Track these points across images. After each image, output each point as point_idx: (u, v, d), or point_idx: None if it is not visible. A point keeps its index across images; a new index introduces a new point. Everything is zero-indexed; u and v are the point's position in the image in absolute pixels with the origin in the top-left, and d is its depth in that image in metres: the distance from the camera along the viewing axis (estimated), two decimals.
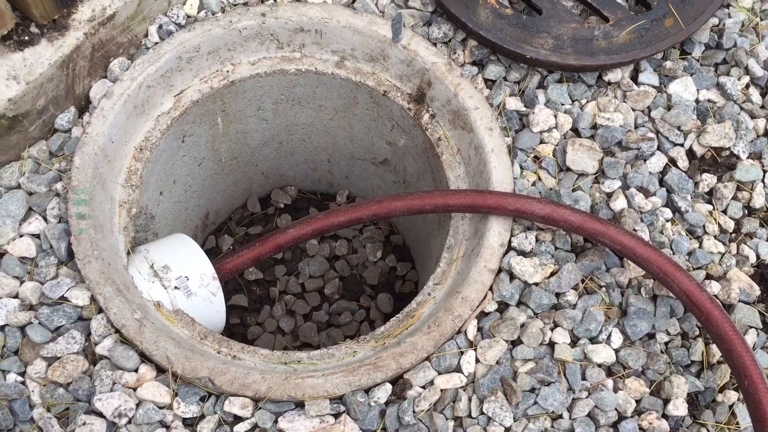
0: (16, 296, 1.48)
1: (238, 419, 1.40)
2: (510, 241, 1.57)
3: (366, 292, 2.25)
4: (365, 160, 2.17)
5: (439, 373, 1.45)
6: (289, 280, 2.25)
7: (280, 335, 2.18)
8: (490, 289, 1.53)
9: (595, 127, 1.68)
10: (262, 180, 2.31)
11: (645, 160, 1.65)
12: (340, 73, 1.82)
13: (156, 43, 1.72)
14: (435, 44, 1.77)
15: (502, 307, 1.52)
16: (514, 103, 1.70)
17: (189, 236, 2.19)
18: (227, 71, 1.79)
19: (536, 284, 1.52)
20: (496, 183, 1.61)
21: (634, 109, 1.70)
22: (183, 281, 1.61)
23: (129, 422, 1.37)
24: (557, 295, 1.51)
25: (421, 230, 2.16)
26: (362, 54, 1.80)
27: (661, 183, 1.65)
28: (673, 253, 1.57)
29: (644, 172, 1.63)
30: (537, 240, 1.57)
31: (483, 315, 1.51)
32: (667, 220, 1.61)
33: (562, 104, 1.71)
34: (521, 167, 1.65)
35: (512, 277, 1.54)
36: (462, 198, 1.57)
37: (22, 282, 1.49)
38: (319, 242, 2.32)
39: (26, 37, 1.56)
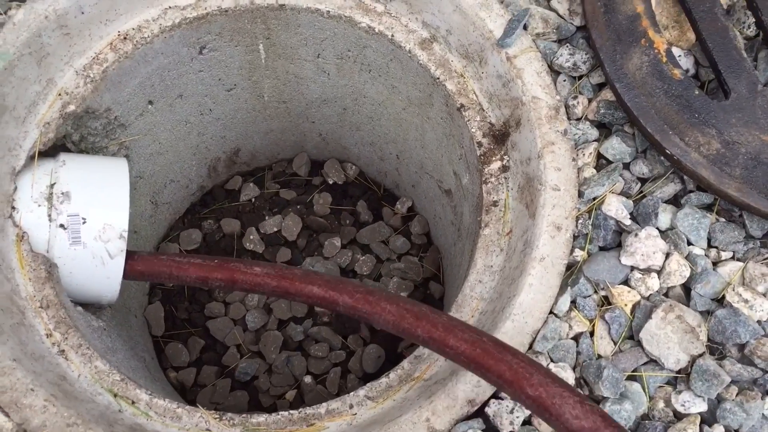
0: None
1: None
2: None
3: (361, 334, 1.72)
4: (433, 179, 1.62)
5: None
6: None
7: (240, 328, 1.73)
8: None
9: (720, 301, 1.03)
10: (318, 141, 1.83)
11: (766, 396, 0.98)
12: (418, 55, 1.28)
13: None
14: (558, 73, 1.17)
15: None
16: (616, 206, 1.08)
17: (204, 166, 1.79)
18: None
19: None
20: (518, 308, 1.03)
21: None
22: (76, 221, 1.18)
23: None
24: None
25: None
26: (457, 42, 1.25)
27: None
28: None
29: (754, 413, 0.97)
30: None
31: None
32: None
33: (689, 244, 1.06)
34: (573, 303, 1.05)
35: None
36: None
37: None
38: (345, 246, 1.81)
39: None
